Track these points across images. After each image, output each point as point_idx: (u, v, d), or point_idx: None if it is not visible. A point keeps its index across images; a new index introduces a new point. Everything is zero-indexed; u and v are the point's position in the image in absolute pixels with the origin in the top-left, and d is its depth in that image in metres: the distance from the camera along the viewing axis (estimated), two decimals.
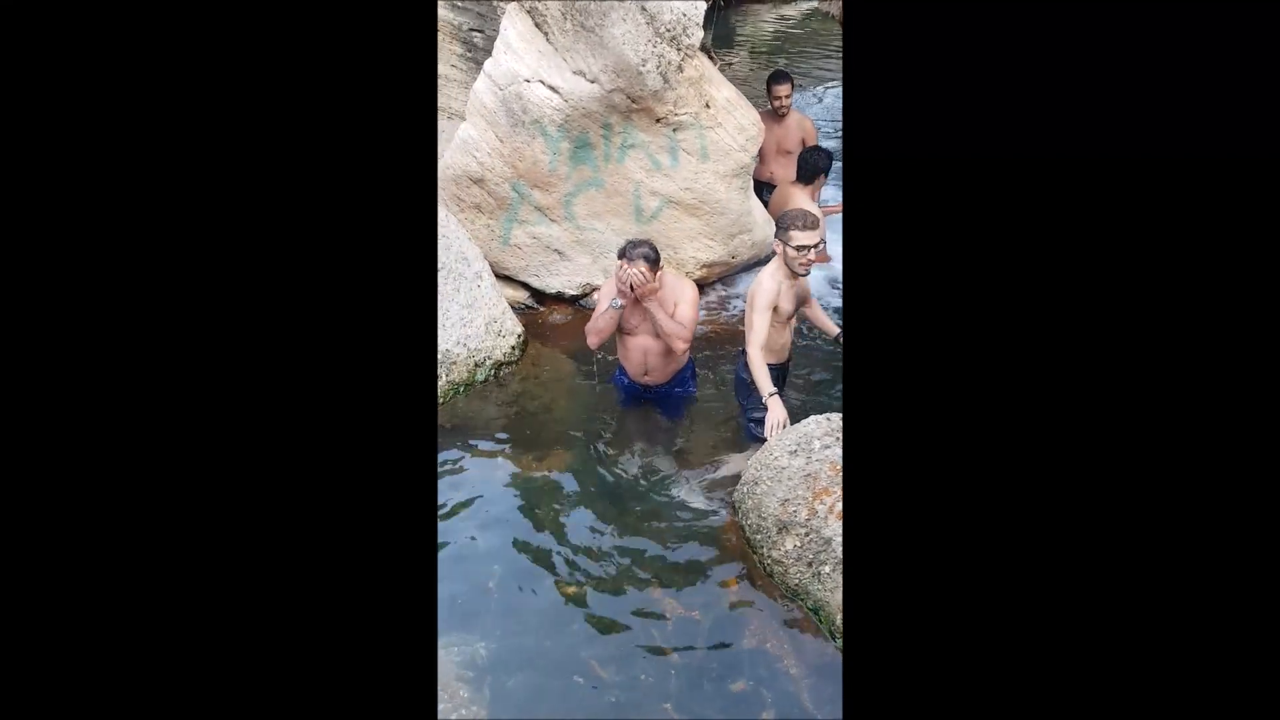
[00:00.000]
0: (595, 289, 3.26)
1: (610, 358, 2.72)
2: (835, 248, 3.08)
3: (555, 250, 3.24)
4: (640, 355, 2.39)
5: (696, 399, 2.59)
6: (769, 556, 1.90)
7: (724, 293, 3.30)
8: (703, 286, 3.12)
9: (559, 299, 3.31)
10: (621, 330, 2.37)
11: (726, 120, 2.97)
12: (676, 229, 3.14)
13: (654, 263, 2.23)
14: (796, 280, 2.16)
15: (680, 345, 2.29)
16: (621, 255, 2.25)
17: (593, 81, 2.77)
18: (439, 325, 2.51)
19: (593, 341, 2.35)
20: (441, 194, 2.94)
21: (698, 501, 2.21)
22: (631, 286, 2.22)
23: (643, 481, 2.31)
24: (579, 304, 3.32)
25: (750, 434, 2.32)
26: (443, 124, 3.36)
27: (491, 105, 2.90)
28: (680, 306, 2.29)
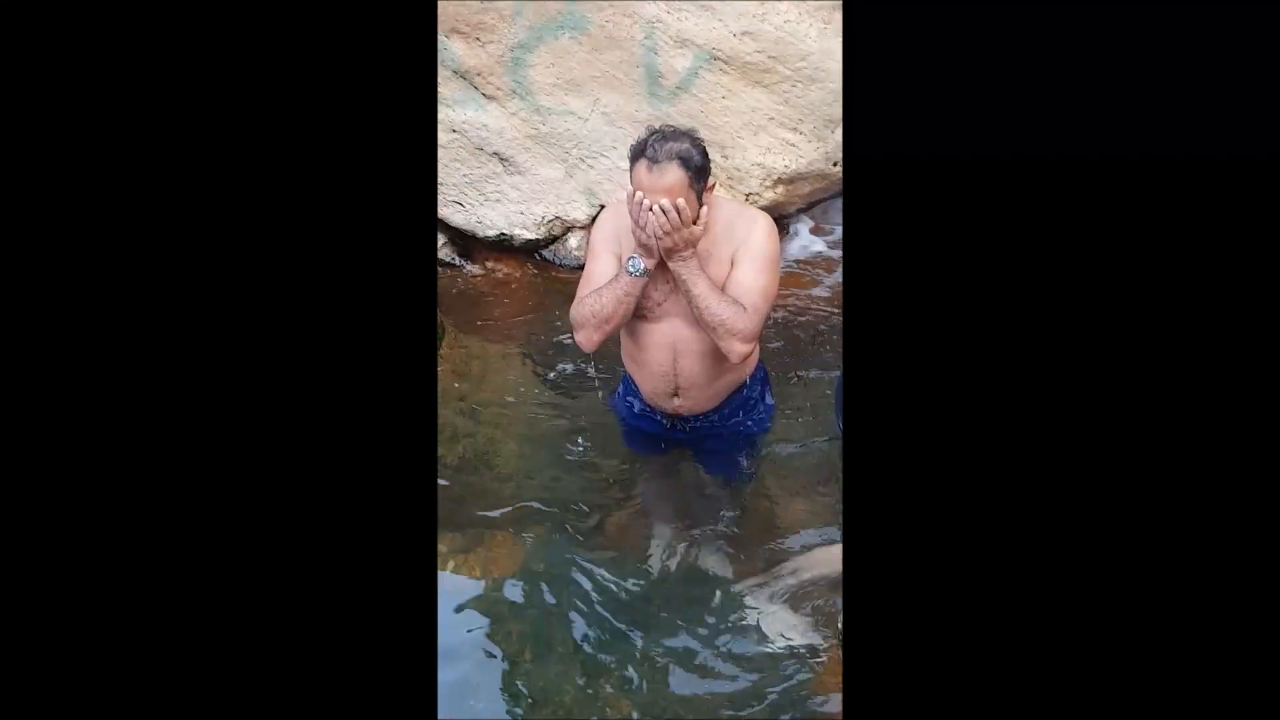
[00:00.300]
0: (578, 229, 3.29)
1: (602, 367, 2.76)
2: None
3: (495, 155, 3.24)
4: (666, 361, 2.26)
5: (768, 440, 2.55)
6: None
7: (817, 240, 3.30)
8: (779, 222, 2.96)
9: (503, 247, 3.34)
10: (633, 314, 2.21)
11: None
12: (726, 111, 3.09)
13: (699, 174, 2.06)
14: None
15: (739, 345, 2.12)
16: (638, 157, 2.06)
17: None
18: None
19: (589, 338, 2.21)
20: None
21: (775, 629, 2.17)
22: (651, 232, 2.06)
23: (669, 597, 2.27)
24: (540, 257, 3.36)
25: None
26: None
27: None
28: (741, 266, 2.13)
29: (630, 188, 2.07)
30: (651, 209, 2.01)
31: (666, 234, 2.03)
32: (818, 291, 3.18)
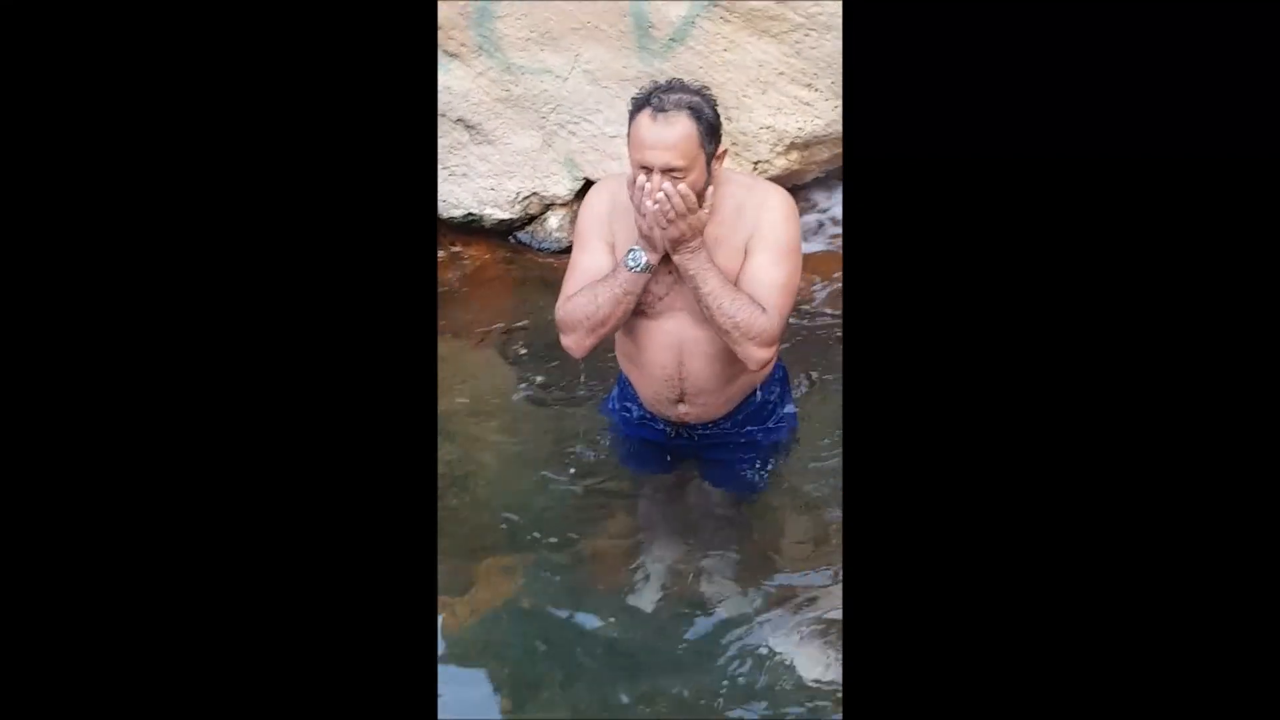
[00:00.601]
0: (558, 206, 3.25)
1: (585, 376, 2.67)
2: None
3: (460, 121, 3.22)
4: (670, 364, 2.24)
5: (795, 445, 2.51)
6: None
7: (831, 213, 3.29)
8: (794, 194, 2.71)
9: (471, 229, 3.32)
10: (633, 311, 2.19)
11: None
12: (728, 66, 3.06)
13: (710, 132, 2.05)
14: None
15: (759, 351, 2.11)
16: (641, 107, 2.05)
17: None
18: None
19: (579, 344, 2.20)
20: None
21: (793, 661, 2.17)
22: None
23: (674, 631, 2.26)
24: (515, 240, 3.32)
25: None
26: None
27: None
28: (757, 257, 2.11)
29: (631, 172, 2.03)
30: (655, 195, 1.99)
31: (670, 221, 2.01)
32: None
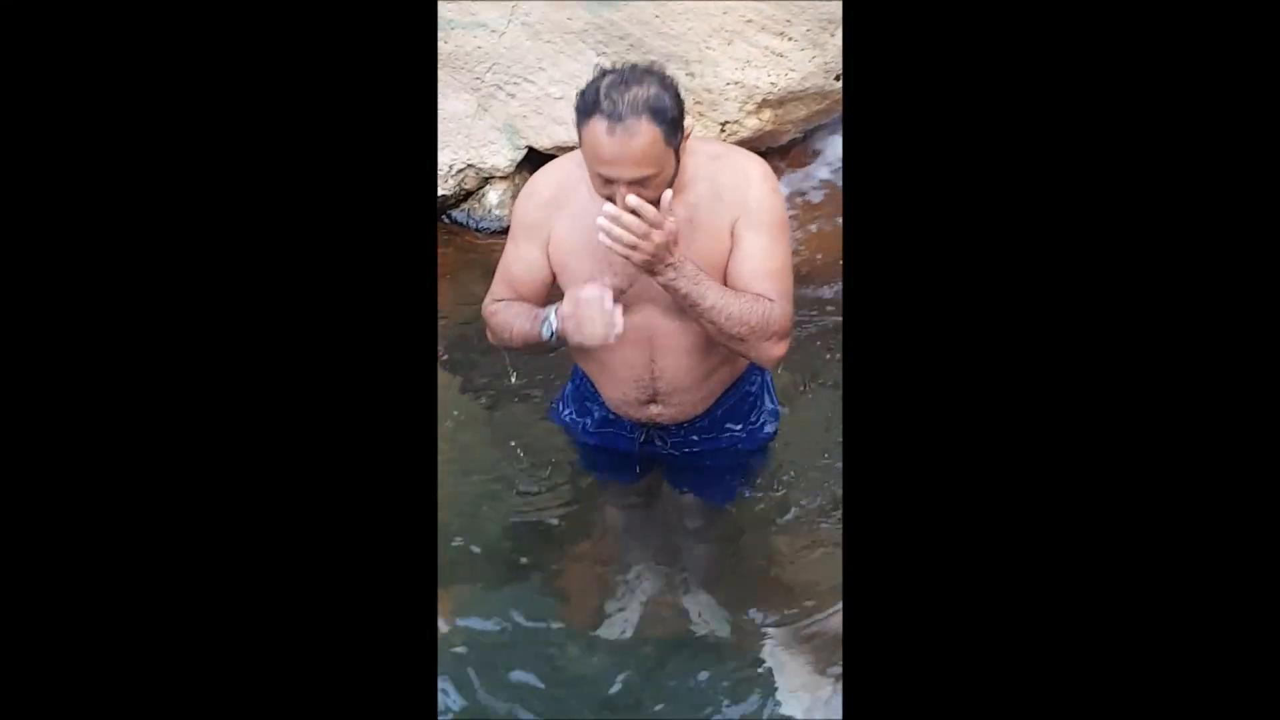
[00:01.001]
0: (498, 179, 3.26)
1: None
2: None
3: None
4: (640, 362, 2.19)
5: (773, 448, 2.46)
6: None
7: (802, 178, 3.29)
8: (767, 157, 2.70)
9: None
10: None
11: None
12: (688, 14, 3.05)
13: (674, 127, 1.96)
14: None
15: (777, 348, 2.10)
16: (591, 112, 1.93)
17: None
18: None
19: (499, 342, 2.22)
20: None
21: (785, 683, 2.22)
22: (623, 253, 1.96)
23: (650, 664, 2.26)
24: (449, 219, 3.32)
25: None
26: None
27: None
28: (750, 242, 2.06)
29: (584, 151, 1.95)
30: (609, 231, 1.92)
31: (634, 248, 1.93)
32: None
